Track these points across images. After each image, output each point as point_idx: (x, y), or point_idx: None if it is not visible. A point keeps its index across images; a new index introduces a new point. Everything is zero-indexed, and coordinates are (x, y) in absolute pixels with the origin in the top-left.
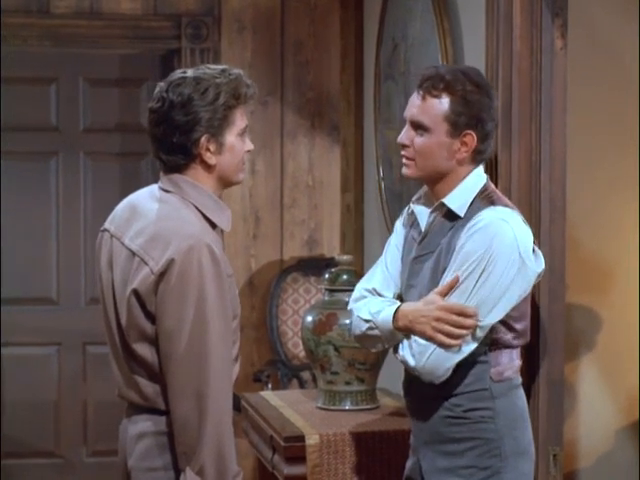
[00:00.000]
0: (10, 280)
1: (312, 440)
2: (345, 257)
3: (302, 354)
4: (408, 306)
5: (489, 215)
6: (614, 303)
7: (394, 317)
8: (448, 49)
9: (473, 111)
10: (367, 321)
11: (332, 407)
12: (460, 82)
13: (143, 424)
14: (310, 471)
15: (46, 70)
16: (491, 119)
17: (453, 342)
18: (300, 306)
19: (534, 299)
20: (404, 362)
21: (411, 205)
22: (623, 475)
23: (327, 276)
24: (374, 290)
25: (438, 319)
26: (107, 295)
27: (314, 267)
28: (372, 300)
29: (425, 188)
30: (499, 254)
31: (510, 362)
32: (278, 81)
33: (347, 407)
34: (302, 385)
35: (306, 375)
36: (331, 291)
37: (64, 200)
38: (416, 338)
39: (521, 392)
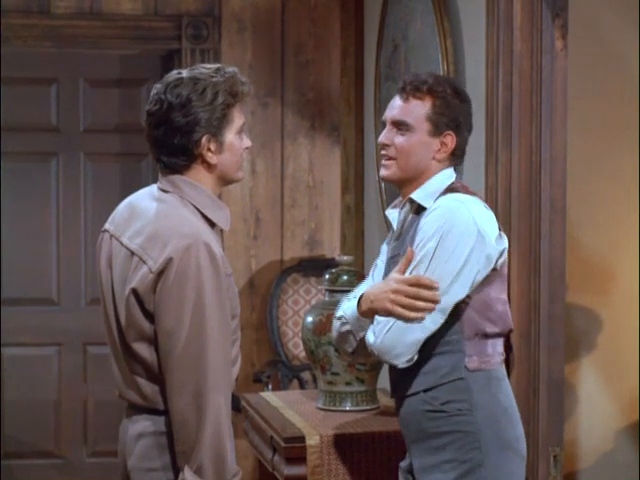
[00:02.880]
0: (10, 280)
1: (312, 441)
2: (345, 258)
3: (302, 355)
4: (370, 289)
5: (445, 198)
6: (614, 303)
7: (359, 304)
8: (448, 50)
9: (453, 114)
10: (340, 318)
11: (332, 408)
12: (442, 86)
13: (143, 424)
14: (310, 472)
15: (46, 70)
16: (467, 126)
17: (412, 315)
18: (300, 307)
19: (534, 299)
20: (367, 343)
21: (386, 212)
22: (623, 475)
23: (327, 277)
24: (353, 297)
25: (395, 291)
26: (107, 295)
27: (314, 268)
28: (347, 302)
29: (400, 198)
30: (453, 227)
31: (488, 353)
32: (278, 82)
33: (347, 408)
34: (302, 386)
35: (306, 376)
36: (331, 292)
37: (64, 201)
38: (378, 317)
39: (505, 386)
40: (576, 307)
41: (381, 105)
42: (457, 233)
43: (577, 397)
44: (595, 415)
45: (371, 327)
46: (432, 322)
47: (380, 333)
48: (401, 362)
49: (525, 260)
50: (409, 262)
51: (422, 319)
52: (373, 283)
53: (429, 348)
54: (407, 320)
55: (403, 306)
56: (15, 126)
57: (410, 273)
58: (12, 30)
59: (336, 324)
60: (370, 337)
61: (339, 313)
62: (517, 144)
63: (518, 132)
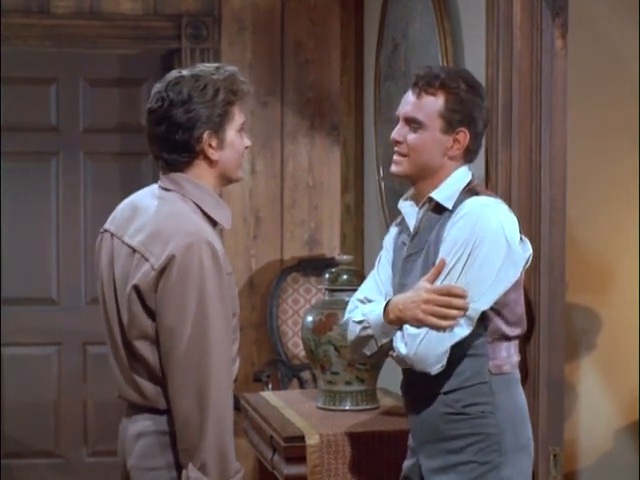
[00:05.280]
0: (10, 280)
1: (312, 440)
2: (345, 257)
3: (302, 354)
4: (398, 297)
5: (472, 202)
6: (614, 303)
7: (385, 311)
8: (448, 49)
9: (467, 109)
10: (360, 322)
11: (332, 407)
12: (454, 81)
13: (143, 423)
14: (310, 471)
15: (46, 70)
16: (482, 119)
17: (444, 323)
18: (300, 306)
19: (534, 299)
20: (397, 353)
21: (398, 205)
22: (623, 475)
23: (327, 276)
24: (365, 299)
25: (427, 301)
26: (108, 295)
27: (314, 267)
28: (365, 306)
29: (412, 190)
30: (484, 237)
31: (508, 356)
32: (278, 81)
33: (347, 407)
34: (302, 385)
35: (306, 375)
36: (331, 291)
37: (64, 200)
38: (407, 326)
39: (520, 389)
40: (576, 307)
41: (381, 105)
42: (488, 243)
43: (577, 396)
44: (595, 414)
45: (399, 337)
46: (462, 330)
47: (412, 344)
48: (434, 370)
49: None
50: (439, 272)
51: (451, 328)
52: (379, 278)
53: (453, 352)
54: (439, 329)
55: (435, 315)
56: (15, 126)
57: (441, 282)
58: (12, 30)
59: (355, 328)
60: (402, 348)
61: (359, 317)
62: (517, 143)
63: (518, 131)
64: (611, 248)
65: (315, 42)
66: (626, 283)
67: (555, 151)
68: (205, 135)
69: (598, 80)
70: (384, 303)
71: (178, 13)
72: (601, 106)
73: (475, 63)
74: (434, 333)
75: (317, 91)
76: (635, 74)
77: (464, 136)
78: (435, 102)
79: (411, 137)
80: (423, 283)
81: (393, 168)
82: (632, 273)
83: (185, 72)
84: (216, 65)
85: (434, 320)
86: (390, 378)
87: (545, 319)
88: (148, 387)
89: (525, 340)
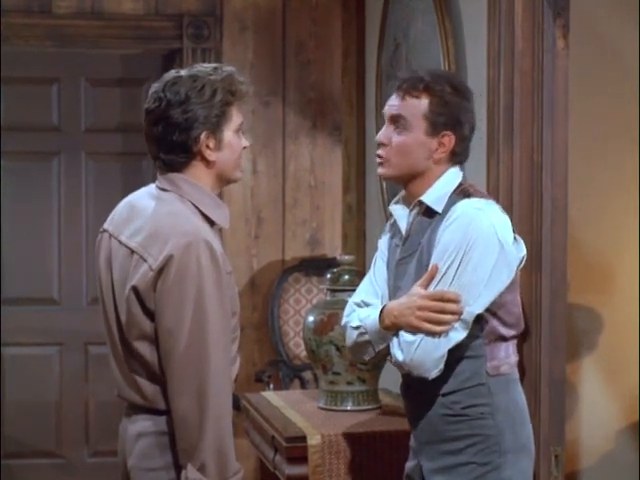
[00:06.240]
0: (11, 280)
1: (314, 440)
2: (347, 257)
3: (304, 354)
4: (392, 303)
5: (463, 205)
6: (616, 303)
7: (380, 317)
8: (450, 49)
9: (452, 112)
10: (357, 327)
11: (334, 407)
12: (439, 84)
13: (143, 424)
14: (312, 471)
15: (48, 70)
16: (469, 123)
17: (439, 329)
18: (302, 306)
19: (535, 298)
20: (395, 360)
21: (389, 207)
22: (624, 475)
23: (329, 276)
24: (362, 302)
25: (421, 308)
26: (107, 295)
27: (316, 267)
28: (362, 310)
29: (403, 192)
30: (476, 240)
31: (506, 357)
32: (280, 81)
33: (349, 407)
34: (304, 385)
35: (308, 375)
36: (333, 291)
37: (66, 200)
38: (403, 333)
39: (519, 388)
40: (577, 306)
41: (382, 105)
42: (481, 245)
43: (578, 397)
44: (596, 415)
45: (396, 344)
46: (457, 334)
47: (409, 351)
48: (431, 375)
49: (526, 259)
50: (432, 277)
51: (446, 333)
52: (375, 280)
53: (451, 353)
54: (434, 334)
55: (429, 321)
56: (16, 126)
57: (435, 287)
58: (13, 30)
59: (353, 333)
60: (398, 355)
61: (356, 323)
62: (518, 143)
63: (519, 131)
64: (612, 248)
65: (316, 42)
66: (627, 283)
67: (556, 151)
68: (202, 136)
69: (598, 80)
70: (379, 309)
71: (179, 13)
72: (601, 106)
73: (476, 63)
74: (430, 339)
75: (319, 91)
76: (635, 74)
77: (449, 140)
78: (419, 104)
79: (395, 139)
80: (417, 289)
81: (379, 170)
82: (633, 273)
83: (183, 72)
84: (214, 65)
85: (428, 326)
86: (391, 378)
87: (546, 319)
88: (147, 387)
89: (522, 340)
